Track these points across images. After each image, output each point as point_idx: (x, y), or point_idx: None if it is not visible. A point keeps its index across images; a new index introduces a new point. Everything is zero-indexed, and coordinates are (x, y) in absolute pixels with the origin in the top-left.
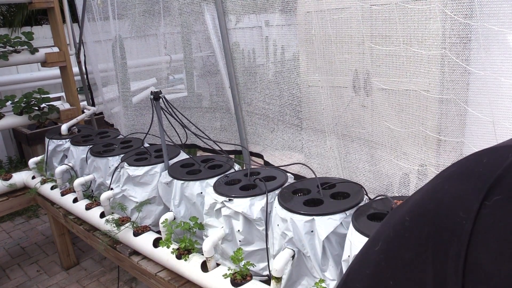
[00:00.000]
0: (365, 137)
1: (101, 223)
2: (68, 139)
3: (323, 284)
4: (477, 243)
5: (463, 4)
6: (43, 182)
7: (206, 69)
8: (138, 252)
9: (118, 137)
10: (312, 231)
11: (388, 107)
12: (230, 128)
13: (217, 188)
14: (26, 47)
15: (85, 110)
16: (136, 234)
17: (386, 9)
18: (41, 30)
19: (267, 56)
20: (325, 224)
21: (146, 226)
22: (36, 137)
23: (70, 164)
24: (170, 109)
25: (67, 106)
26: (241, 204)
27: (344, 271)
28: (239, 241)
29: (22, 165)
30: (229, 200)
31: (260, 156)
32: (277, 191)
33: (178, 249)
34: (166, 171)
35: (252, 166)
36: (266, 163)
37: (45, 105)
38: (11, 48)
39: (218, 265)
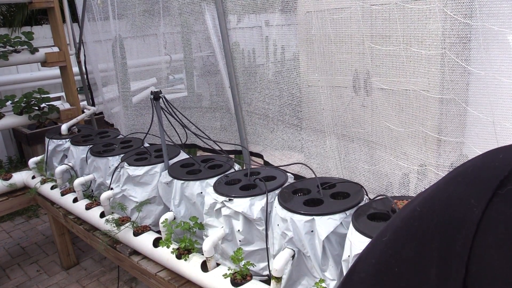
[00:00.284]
0: (364, 137)
1: (101, 223)
2: (68, 139)
3: (323, 284)
4: (485, 229)
5: (463, 4)
6: (43, 182)
7: (206, 69)
8: (138, 252)
9: (118, 137)
10: (312, 231)
11: (388, 107)
12: (230, 128)
13: (217, 188)
14: (26, 47)
15: (85, 110)
16: (136, 234)
17: (386, 9)
18: (41, 30)
19: (267, 56)
20: (325, 224)
21: (146, 226)
22: (36, 137)
23: (70, 164)
24: (170, 109)
25: (67, 106)
26: (241, 204)
27: (344, 271)
28: (239, 241)
29: (22, 165)
30: (229, 200)
31: (260, 156)
32: (277, 191)
33: (178, 249)
34: (166, 171)
35: (252, 166)
36: (266, 163)
37: (45, 105)
38: (11, 48)
39: (218, 265)
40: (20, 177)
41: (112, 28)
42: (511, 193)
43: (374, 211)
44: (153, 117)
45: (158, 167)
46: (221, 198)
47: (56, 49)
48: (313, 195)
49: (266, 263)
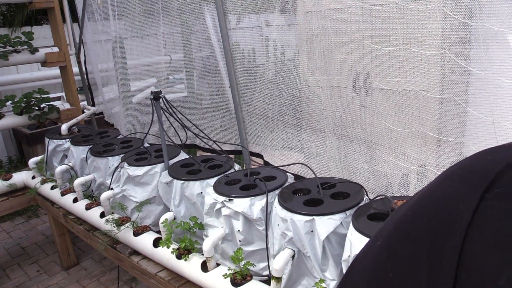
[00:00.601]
0: (364, 137)
1: (101, 223)
2: (68, 139)
3: (323, 284)
4: (474, 234)
5: (463, 4)
6: (43, 182)
7: (206, 69)
8: (138, 252)
9: (118, 137)
10: (312, 231)
11: (388, 107)
12: (230, 128)
13: (217, 188)
14: (26, 47)
15: (85, 110)
16: (136, 234)
17: (385, 9)
18: (41, 30)
19: (267, 56)
20: (325, 224)
21: (146, 226)
22: (36, 137)
23: (70, 164)
24: (170, 109)
25: (67, 106)
26: (241, 204)
27: (344, 271)
28: (239, 241)
29: (22, 165)
30: (229, 200)
31: (260, 156)
32: (277, 191)
33: (178, 249)
34: (166, 171)
35: (252, 166)
36: (266, 163)
37: (45, 105)
38: (11, 48)
39: (218, 265)
40: (20, 177)
41: (112, 28)
42: (499, 196)
43: (374, 211)
44: (153, 117)
45: (158, 167)
46: (221, 198)
47: (56, 49)
48: (313, 195)
49: (266, 263)
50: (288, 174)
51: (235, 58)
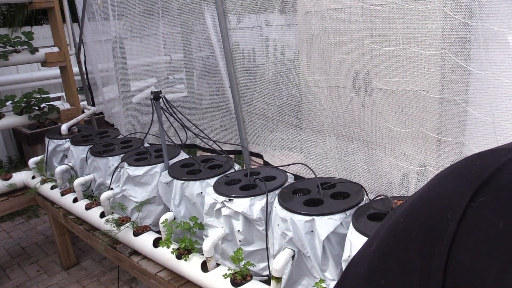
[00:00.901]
0: (364, 137)
1: (101, 223)
2: (68, 139)
3: (323, 284)
4: (459, 243)
5: (463, 4)
6: (43, 182)
7: (206, 69)
8: (138, 252)
9: (118, 137)
10: (312, 231)
11: (388, 107)
12: (230, 128)
13: (217, 188)
14: (26, 47)
15: (85, 110)
16: (136, 234)
17: (385, 9)
18: (41, 30)
19: (267, 56)
20: (325, 224)
21: (146, 226)
22: (36, 137)
23: (70, 164)
24: (170, 109)
25: (67, 106)
26: (241, 204)
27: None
28: (239, 241)
29: (22, 165)
30: (229, 200)
31: (260, 156)
32: (277, 191)
33: (178, 249)
34: (166, 171)
35: (252, 166)
36: (266, 163)
37: (45, 105)
38: (11, 48)
39: (218, 265)
40: (20, 177)
41: (112, 28)
42: (483, 206)
43: (374, 211)
44: (153, 117)
45: (158, 167)
46: (221, 198)
47: (56, 49)
48: (313, 195)
49: (266, 263)
50: (288, 174)
51: (235, 58)
